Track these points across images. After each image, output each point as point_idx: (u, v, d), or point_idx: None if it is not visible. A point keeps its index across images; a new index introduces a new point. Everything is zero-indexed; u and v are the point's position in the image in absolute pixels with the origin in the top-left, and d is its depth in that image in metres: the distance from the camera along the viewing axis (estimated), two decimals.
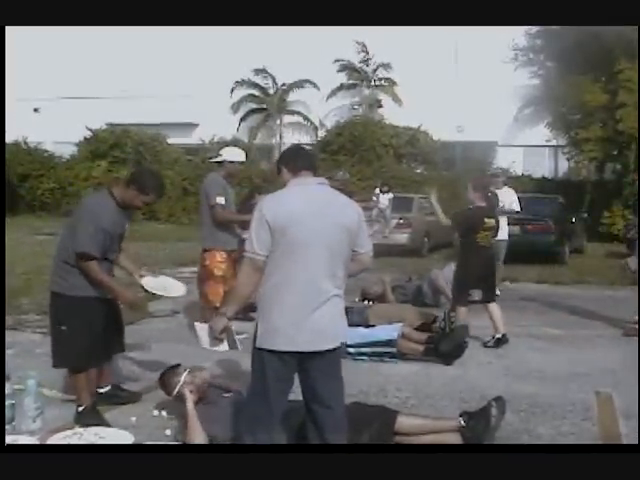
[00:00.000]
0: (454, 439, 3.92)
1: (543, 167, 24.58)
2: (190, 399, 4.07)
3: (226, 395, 4.31)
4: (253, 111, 28.05)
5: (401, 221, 14.83)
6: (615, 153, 18.93)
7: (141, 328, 7.00)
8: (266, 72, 27.53)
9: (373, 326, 6.51)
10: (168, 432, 4.23)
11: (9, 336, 6.15)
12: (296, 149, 3.71)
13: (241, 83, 27.72)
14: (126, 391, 4.90)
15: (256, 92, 28.07)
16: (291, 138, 27.24)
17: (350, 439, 3.56)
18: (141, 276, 4.63)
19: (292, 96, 27.92)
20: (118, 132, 24.38)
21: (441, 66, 24.31)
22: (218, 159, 6.79)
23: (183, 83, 26.48)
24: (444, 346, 5.97)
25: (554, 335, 7.28)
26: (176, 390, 4.24)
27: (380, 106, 27.00)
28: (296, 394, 3.45)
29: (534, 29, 19.35)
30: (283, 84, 27.72)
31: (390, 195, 15.08)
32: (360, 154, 23.04)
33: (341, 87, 27.31)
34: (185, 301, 8.36)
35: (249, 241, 3.26)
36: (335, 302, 3.31)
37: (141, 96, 27.17)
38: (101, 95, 27.56)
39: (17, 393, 4.28)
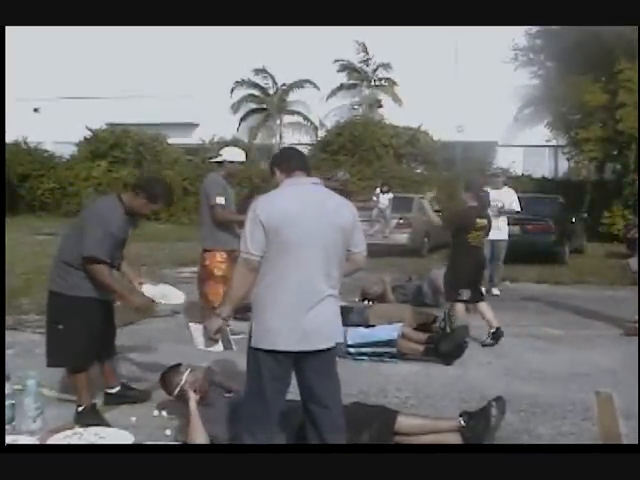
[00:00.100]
0: (454, 439, 3.92)
1: (543, 167, 24.59)
2: (193, 399, 4.06)
3: (227, 395, 4.31)
4: (253, 111, 28.06)
5: (401, 221, 14.82)
6: (615, 153, 18.93)
7: (141, 328, 7.00)
8: (266, 72, 27.54)
9: (373, 326, 6.51)
10: (168, 432, 4.23)
11: (9, 336, 6.14)
12: (288, 150, 3.73)
13: (241, 83, 27.73)
14: (135, 390, 4.91)
15: (256, 92, 28.08)
16: (291, 138, 27.28)
17: (350, 439, 3.56)
18: (141, 284, 4.64)
19: (292, 96, 27.94)
20: (118, 132, 24.38)
21: (441, 66, 24.31)
22: (218, 159, 6.79)
23: (183, 83, 26.49)
24: (444, 346, 5.97)
25: (554, 335, 7.28)
26: (177, 390, 4.24)
27: (380, 106, 27.01)
28: (296, 394, 3.45)
29: (534, 29, 19.36)
30: (283, 84, 27.73)
31: (390, 195, 15.08)
32: (360, 154, 23.05)
33: (341, 87, 27.32)
34: (185, 301, 8.36)
35: (243, 241, 3.27)
36: (330, 302, 3.31)
37: (141, 96, 27.18)
38: (101, 95, 27.57)
39: (17, 393, 4.28)
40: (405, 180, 20.99)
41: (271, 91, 28.06)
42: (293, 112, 27.86)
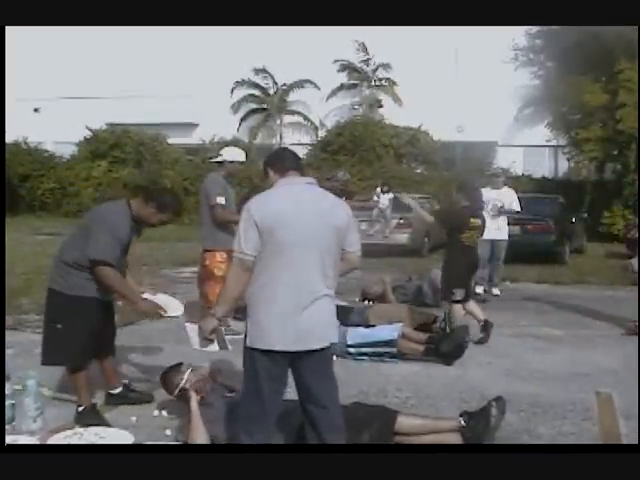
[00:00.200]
0: (454, 439, 3.92)
1: (543, 167, 24.60)
2: (194, 398, 4.06)
3: (229, 395, 4.31)
4: (253, 111, 28.07)
5: (401, 221, 14.82)
6: (615, 153, 18.93)
7: (141, 328, 7.00)
8: (266, 72, 27.55)
9: (373, 326, 6.51)
10: (168, 432, 4.23)
11: (9, 336, 6.14)
12: (282, 150, 3.74)
13: (241, 83, 27.74)
14: (137, 392, 4.90)
15: (256, 92, 28.09)
16: (291, 138, 27.29)
17: (350, 439, 3.56)
18: (141, 293, 4.65)
19: (292, 96, 27.94)
20: (118, 132, 24.38)
21: (441, 66, 24.31)
22: (218, 159, 6.80)
23: (183, 83, 26.49)
24: (444, 346, 5.97)
25: (554, 335, 7.27)
26: (178, 389, 4.24)
27: (380, 106, 27.01)
28: (295, 394, 3.45)
29: (534, 29, 19.36)
30: (283, 84, 27.73)
31: (390, 195, 15.07)
32: (360, 154, 23.05)
33: (341, 87, 27.32)
34: (185, 301, 8.36)
35: (237, 241, 3.27)
36: (325, 302, 3.32)
37: (141, 96, 27.18)
38: (101, 95, 27.57)
39: (17, 393, 4.27)
40: (405, 180, 20.99)
41: (271, 91, 28.06)
42: (293, 112, 27.86)
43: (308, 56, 24.06)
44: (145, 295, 4.63)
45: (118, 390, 4.80)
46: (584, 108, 18.35)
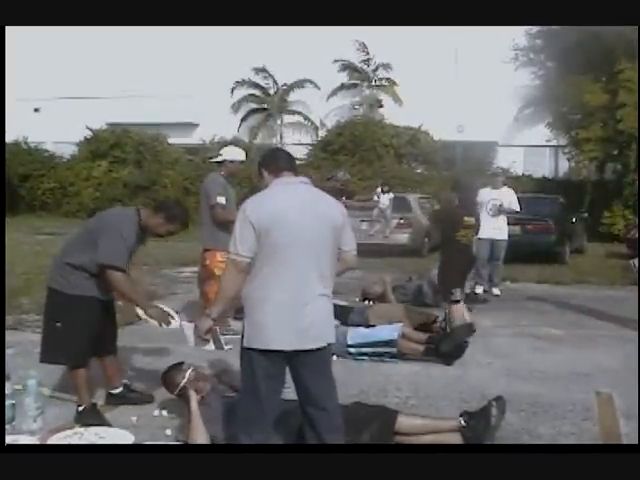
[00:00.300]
0: (454, 439, 3.92)
1: (543, 167, 24.60)
2: (194, 398, 4.06)
3: (229, 395, 4.31)
4: (254, 111, 28.06)
5: (402, 221, 14.82)
6: (615, 153, 18.93)
7: (141, 328, 6.97)
8: (266, 72, 27.54)
9: (373, 326, 6.51)
10: (169, 432, 4.23)
11: (9, 336, 6.15)
12: (275, 151, 3.74)
13: (241, 83, 27.74)
14: (137, 392, 4.91)
15: (257, 92, 28.09)
16: (292, 138, 27.30)
17: (350, 439, 3.57)
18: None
19: (293, 96, 27.94)
20: (118, 132, 24.38)
21: (441, 66, 24.31)
22: (218, 159, 6.80)
23: (183, 83, 26.49)
24: (444, 346, 5.97)
25: (555, 335, 7.27)
26: (179, 388, 4.24)
27: (381, 106, 27.01)
28: (295, 395, 3.45)
29: (534, 29, 19.36)
30: (284, 84, 27.73)
31: (391, 195, 15.08)
32: (361, 154, 23.05)
33: (342, 87, 27.32)
34: (185, 301, 8.37)
35: (233, 243, 3.27)
36: (322, 302, 3.31)
37: (141, 96, 27.19)
38: (101, 95, 27.58)
39: (17, 393, 4.28)
40: (406, 180, 20.99)
41: (272, 91, 28.06)
42: (294, 112, 27.86)
43: (308, 56, 24.05)
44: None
45: (118, 390, 4.81)
46: (584, 108, 18.36)
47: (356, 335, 6.10)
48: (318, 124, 27.44)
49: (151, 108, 26.68)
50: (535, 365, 5.99)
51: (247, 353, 3.29)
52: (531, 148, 24.89)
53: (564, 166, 24.06)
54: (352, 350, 6.03)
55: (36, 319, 6.95)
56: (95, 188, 23.58)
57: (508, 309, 8.76)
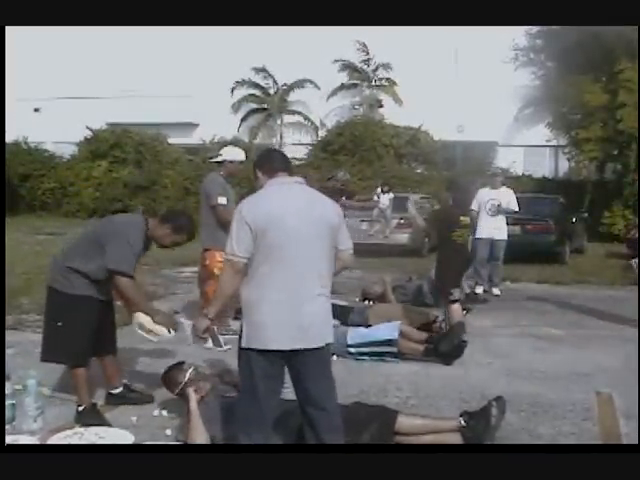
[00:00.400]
0: (454, 439, 3.92)
1: (543, 167, 24.60)
2: (194, 398, 4.07)
3: (230, 395, 4.31)
4: (254, 111, 28.05)
5: (401, 221, 14.82)
6: (615, 153, 18.92)
7: None
8: (266, 72, 27.54)
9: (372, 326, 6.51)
10: (169, 432, 4.23)
11: (9, 336, 6.15)
12: (270, 152, 3.76)
13: (241, 83, 27.73)
14: (137, 392, 4.91)
15: (257, 92, 28.08)
16: (292, 138, 27.30)
17: (350, 439, 3.57)
18: (134, 311, 4.69)
19: (293, 96, 27.93)
20: (118, 132, 24.38)
21: (441, 66, 24.32)
22: (218, 159, 6.81)
23: (183, 83, 26.49)
24: (443, 346, 5.97)
25: (555, 335, 7.27)
26: (179, 388, 4.24)
27: (381, 106, 27.01)
28: (294, 395, 3.45)
29: (534, 29, 19.36)
30: (284, 84, 27.72)
31: (391, 195, 15.07)
32: (361, 154, 23.05)
33: (342, 87, 27.32)
34: (185, 301, 8.37)
35: (229, 244, 3.28)
36: (321, 301, 3.32)
37: (141, 96, 27.19)
38: (101, 95, 27.58)
39: (17, 393, 4.28)
40: (406, 180, 20.98)
41: (272, 91, 28.05)
42: (294, 112, 27.85)
43: (308, 56, 24.05)
44: (138, 313, 4.68)
45: (118, 390, 4.81)
46: (584, 108, 18.35)
47: (356, 335, 6.10)
48: (318, 124, 27.43)
49: (151, 108, 26.68)
50: (535, 365, 5.99)
51: (245, 353, 3.29)
52: (531, 148, 24.89)
53: (564, 166, 24.06)
54: (352, 350, 6.02)
55: (36, 319, 6.95)
56: (95, 188, 23.59)
57: (508, 309, 8.76)
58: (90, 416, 4.35)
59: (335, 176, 9.48)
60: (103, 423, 4.28)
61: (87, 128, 24.63)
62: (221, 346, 6.10)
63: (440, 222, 6.95)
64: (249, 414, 3.34)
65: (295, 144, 26.17)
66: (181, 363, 4.46)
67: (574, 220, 15.32)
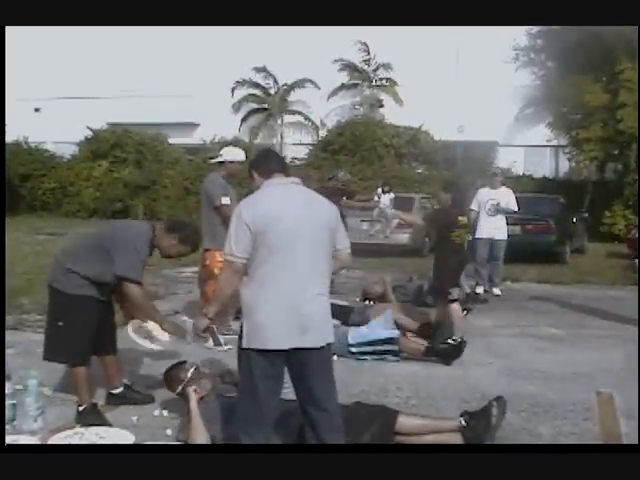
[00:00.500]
0: (455, 439, 3.92)
1: (544, 167, 24.59)
2: (194, 398, 4.07)
3: (230, 395, 4.31)
4: (254, 111, 28.05)
5: (402, 221, 14.79)
6: (616, 153, 18.93)
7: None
8: (267, 72, 27.54)
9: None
10: (169, 432, 4.23)
11: (10, 336, 6.15)
12: (266, 153, 3.76)
13: (242, 83, 27.72)
14: (138, 393, 4.91)
15: (257, 92, 28.08)
16: (292, 138, 27.31)
17: (351, 439, 3.57)
18: (132, 318, 4.71)
19: (293, 96, 27.93)
20: (119, 132, 24.40)
21: (442, 66, 24.31)
22: (218, 159, 6.81)
23: (183, 83, 26.49)
24: (436, 343, 6.00)
25: (555, 335, 7.27)
26: (180, 387, 4.24)
27: (381, 106, 27.00)
28: (293, 395, 3.46)
29: (535, 29, 19.37)
30: (284, 84, 27.72)
31: (391, 195, 15.06)
32: (361, 154, 23.04)
33: (342, 87, 27.31)
34: (185, 301, 8.37)
35: (228, 244, 3.29)
36: (320, 301, 3.32)
37: (141, 96, 27.19)
38: (101, 95, 27.59)
39: (18, 393, 4.28)
40: (406, 180, 20.98)
41: (272, 91, 28.05)
42: (294, 112, 27.85)
43: (308, 56, 24.06)
44: (134, 321, 4.70)
45: (119, 390, 4.81)
46: (585, 108, 18.36)
47: (357, 335, 6.10)
48: (318, 124, 27.43)
49: (151, 108, 26.68)
50: (535, 365, 5.99)
51: (245, 353, 3.30)
52: (531, 148, 24.88)
53: (564, 166, 24.06)
54: (354, 350, 6.02)
55: (37, 319, 6.96)
56: (95, 188, 23.61)
57: (508, 309, 8.76)
58: (90, 416, 4.35)
59: (336, 176, 9.49)
60: (103, 423, 4.28)
61: (87, 128, 24.66)
62: (221, 345, 6.11)
63: (439, 222, 6.95)
64: (249, 415, 3.34)
65: (295, 144, 26.18)
66: (183, 362, 4.47)
67: (574, 220, 15.32)
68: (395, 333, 6.07)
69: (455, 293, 6.77)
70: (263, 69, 27.43)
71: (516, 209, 9.83)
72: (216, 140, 23.79)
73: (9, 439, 3.82)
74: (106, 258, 4.27)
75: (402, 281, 9.13)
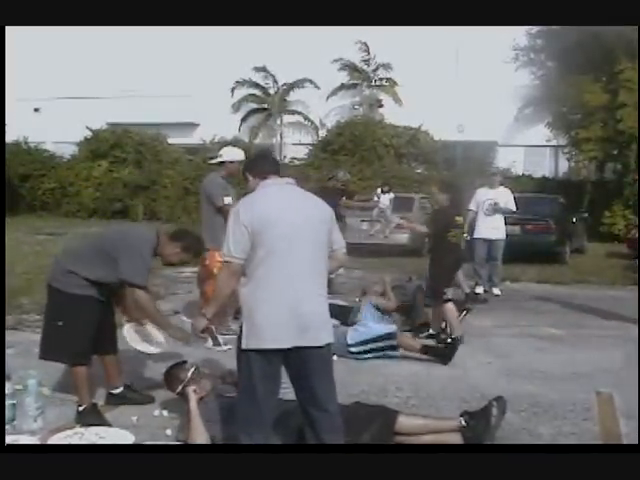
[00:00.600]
0: (455, 439, 3.92)
1: (544, 167, 24.57)
2: (193, 398, 4.07)
3: (229, 395, 4.31)
4: (254, 111, 28.05)
5: (402, 221, 14.79)
6: (615, 153, 18.92)
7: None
8: (267, 72, 27.54)
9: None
10: (169, 432, 4.23)
11: (9, 336, 6.15)
12: (259, 155, 3.81)
13: (242, 83, 27.72)
14: (138, 393, 4.91)
15: (257, 92, 28.07)
16: (292, 138, 27.30)
17: (351, 439, 3.57)
18: (128, 321, 4.72)
19: (293, 96, 27.93)
20: (119, 132, 24.39)
21: (442, 66, 24.30)
22: (218, 160, 6.82)
23: (183, 83, 26.48)
24: (422, 336, 6.07)
25: (555, 335, 7.27)
26: (180, 387, 4.24)
27: (381, 106, 26.99)
28: (293, 395, 3.45)
29: (535, 29, 19.37)
30: (284, 84, 27.72)
31: (391, 195, 15.06)
32: (361, 154, 23.02)
33: (342, 87, 27.30)
34: (185, 301, 8.37)
35: (226, 245, 3.30)
36: (319, 301, 3.34)
37: (141, 96, 27.17)
38: (101, 95, 27.57)
39: (18, 393, 4.28)
40: (406, 180, 20.96)
41: (272, 91, 28.05)
42: (294, 112, 27.85)
43: (308, 56, 24.06)
44: (130, 324, 4.70)
45: (119, 390, 4.81)
46: (584, 108, 18.35)
47: (356, 334, 6.10)
48: (318, 124, 27.42)
49: (151, 108, 26.66)
50: (535, 365, 5.99)
51: (245, 354, 3.30)
52: (531, 148, 24.87)
53: (564, 166, 24.04)
54: (353, 349, 6.03)
55: (36, 319, 6.95)
56: (95, 188, 23.59)
57: (508, 309, 8.76)
58: (90, 416, 4.36)
59: (335, 176, 9.50)
60: (103, 423, 4.29)
61: (87, 128, 24.63)
62: (220, 346, 6.11)
63: (436, 222, 6.95)
64: (248, 415, 3.34)
65: (295, 144, 26.18)
66: (183, 362, 4.48)
67: (574, 220, 15.32)
68: (392, 328, 6.11)
69: (450, 293, 6.79)
70: (263, 69, 27.43)
71: (514, 209, 9.83)
72: (216, 140, 23.76)
73: (9, 439, 3.82)
74: (108, 261, 4.29)
75: (402, 281, 9.11)
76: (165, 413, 4.56)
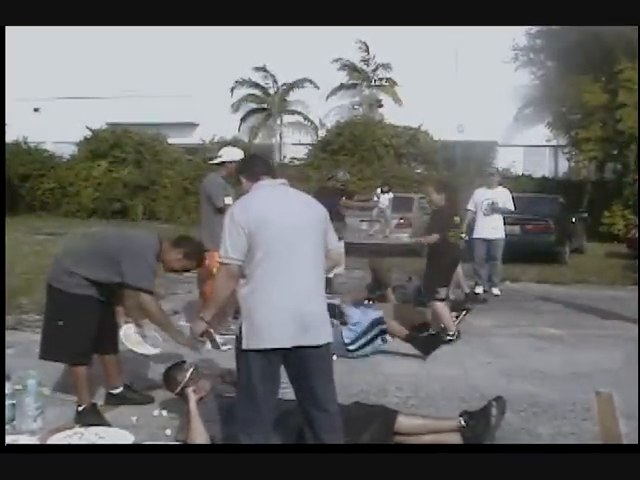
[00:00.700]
0: (454, 439, 3.92)
1: (543, 167, 24.57)
2: (193, 398, 4.07)
3: (228, 395, 4.31)
4: (254, 111, 28.03)
5: (401, 221, 14.82)
6: (615, 153, 18.92)
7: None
8: (266, 71, 27.53)
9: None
10: (169, 432, 4.23)
11: (9, 336, 6.15)
12: (252, 157, 3.82)
13: (241, 83, 27.71)
14: (137, 393, 4.91)
15: (256, 92, 28.06)
16: (291, 138, 27.29)
17: (350, 439, 3.57)
18: (126, 322, 4.72)
19: (292, 96, 27.92)
20: (118, 132, 24.37)
21: (441, 66, 24.29)
22: (218, 160, 6.83)
23: (183, 83, 26.47)
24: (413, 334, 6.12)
25: (554, 335, 7.27)
26: (179, 387, 4.24)
27: (380, 106, 26.98)
28: (292, 395, 3.45)
29: (534, 29, 19.36)
30: (284, 84, 27.71)
31: (390, 195, 15.07)
32: (360, 154, 23.02)
33: (341, 87, 27.29)
34: (185, 301, 8.37)
35: (223, 247, 3.30)
36: (318, 301, 3.34)
37: (141, 96, 27.16)
38: (101, 95, 27.55)
39: (17, 393, 4.28)
40: (405, 180, 20.96)
41: (271, 91, 28.03)
42: (293, 112, 27.84)
43: (308, 56, 24.05)
44: (127, 325, 4.70)
45: (118, 390, 4.81)
46: (584, 108, 18.35)
47: (349, 332, 6.12)
48: (318, 124, 27.41)
49: (151, 108, 26.63)
50: (535, 365, 5.99)
51: (244, 354, 3.29)
52: (531, 148, 24.87)
53: (564, 166, 24.04)
54: (351, 347, 6.04)
55: (36, 319, 6.95)
56: (95, 188, 23.58)
57: (508, 309, 8.76)
58: (90, 416, 4.36)
59: (335, 176, 9.50)
60: (103, 423, 4.29)
61: (87, 128, 24.62)
62: (219, 347, 6.10)
63: (436, 222, 6.96)
64: (248, 415, 3.34)
65: (295, 144, 26.17)
66: (182, 362, 4.48)
67: (574, 220, 15.32)
68: (379, 313, 6.18)
69: (443, 292, 6.80)
70: (262, 69, 27.42)
71: (513, 209, 9.83)
72: (215, 140, 23.75)
73: (9, 439, 3.82)
74: (111, 264, 4.30)
75: (402, 281, 9.14)
76: (165, 413, 4.56)
